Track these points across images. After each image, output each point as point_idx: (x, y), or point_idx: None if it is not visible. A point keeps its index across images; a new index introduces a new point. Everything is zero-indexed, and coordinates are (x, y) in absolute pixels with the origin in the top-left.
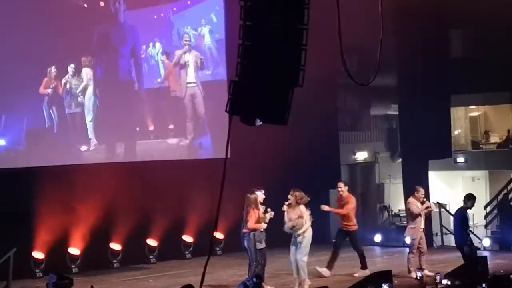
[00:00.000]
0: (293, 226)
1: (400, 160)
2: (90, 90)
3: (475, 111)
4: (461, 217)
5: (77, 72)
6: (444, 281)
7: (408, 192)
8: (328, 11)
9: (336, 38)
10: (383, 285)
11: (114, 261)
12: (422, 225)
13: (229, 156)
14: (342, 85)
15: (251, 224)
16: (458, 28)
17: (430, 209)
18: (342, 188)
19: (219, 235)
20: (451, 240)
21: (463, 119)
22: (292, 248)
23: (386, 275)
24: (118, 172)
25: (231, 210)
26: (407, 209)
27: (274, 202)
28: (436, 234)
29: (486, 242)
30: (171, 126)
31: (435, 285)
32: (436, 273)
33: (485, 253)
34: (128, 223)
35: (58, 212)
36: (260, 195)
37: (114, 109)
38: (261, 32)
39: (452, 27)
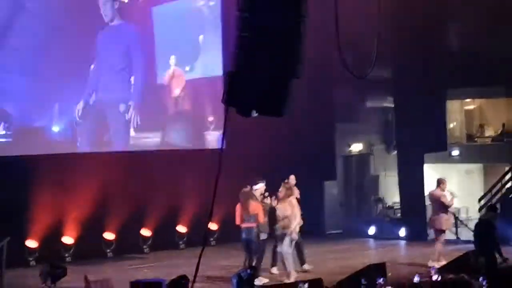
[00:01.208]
0: (283, 227)
1: (395, 152)
2: None
3: (470, 105)
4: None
5: None
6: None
7: (403, 184)
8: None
9: (333, 30)
10: (377, 279)
11: (108, 250)
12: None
13: (224, 147)
14: (338, 77)
15: (261, 218)
16: (455, 21)
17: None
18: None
19: (213, 226)
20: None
21: (458, 112)
22: (279, 241)
23: (380, 268)
24: (113, 162)
25: (226, 201)
26: (438, 202)
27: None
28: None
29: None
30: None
31: (429, 278)
32: (431, 267)
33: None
34: (122, 213)
35: (52, 201)
36: (261, 186)
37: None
38: (258, 24)
39: (449, 20)
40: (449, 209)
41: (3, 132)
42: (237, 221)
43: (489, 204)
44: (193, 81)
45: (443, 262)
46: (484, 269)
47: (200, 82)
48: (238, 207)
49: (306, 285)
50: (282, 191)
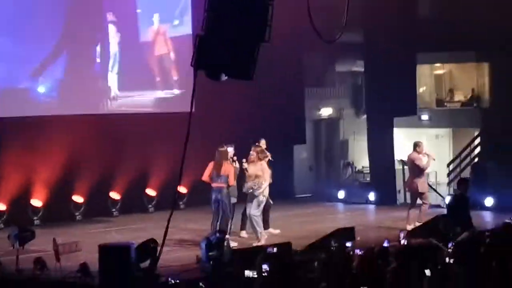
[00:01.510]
0: (252, 187)
1: (365, 116)
2: None
3: (440, 69)
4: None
5: None
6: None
7: (372, 148)
8: None
9: None
10: (346, 242)
11: (77, 213)
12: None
13: (194, 111)
14: (308, 41)
15: (232, 179)
16: None
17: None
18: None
19: (182, 189)
20: None
21: (428, 77)
22: (249, 204)
23: (349, 232)
24: (82, 125)
25: (195, 164)
26: (413, 165)
27: (238, 157)
28: (399, 191)
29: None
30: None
31: (398, 243)
32: (400, 231)
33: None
34: (91, 176)
35: (20, 163)
36: (230, 150)
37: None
38: None
39: None
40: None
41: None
42: (204, 177)
43: (460, 177)
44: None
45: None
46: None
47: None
48: (210, 165)
49: (275, 249)
50: (253, 154)
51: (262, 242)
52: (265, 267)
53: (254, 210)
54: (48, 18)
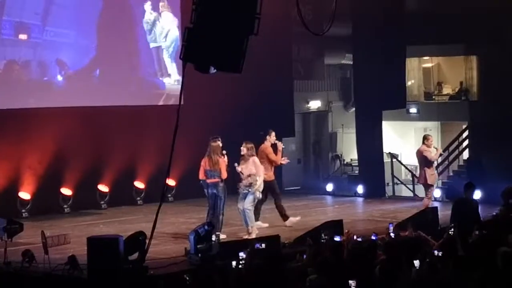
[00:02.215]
0: (249, 184)
1: (353, 109)
2: None
3: (428, 62)
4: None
5: None
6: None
7: (360, 141)
8: None
9: None
10: (335, 236)
11: (65, 206)
12: (435, 171)
13: (183, 103)
14: (296, 33)
15: (224, 173)
16: None
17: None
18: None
19: (171, 182)
20: (402, 190)
21: (416, 70)
22: (241, 199)
23: (337, 225)
24: (70, 117)
25: (184, 157)
26: (422, 157)
27: (228, 150)
28: (388, 184)
29: (437, 193)
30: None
31: (386, 235)
32: (389, 223)
33: (436, 204)
34: (80, 168)
35: (8, 156)
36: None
37: None
38: None
39: None
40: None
41: (61, 79)
42: (200, 175)
43: (468, 182)
44: None
45: None
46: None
47: None
48: (204, 161)
49: (263, 245)
50: (243, 150)
51: (253, 236)
52: (241, 254)
53: (248, 204)
54: None
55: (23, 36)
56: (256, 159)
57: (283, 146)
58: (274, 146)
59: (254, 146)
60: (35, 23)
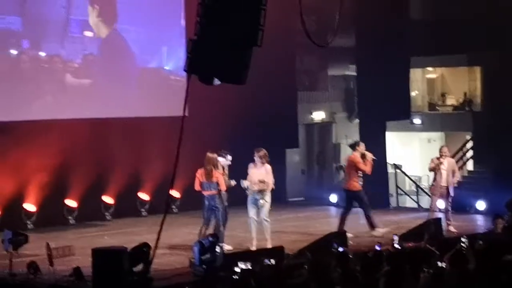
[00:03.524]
0: (261, 190)
1: (357, 120)
2: None
3: (432, 73)
4: None
5: None
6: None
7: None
8: None
9: None
10: (337, 247)
11: (70, 217)
12: (442, 183)
13: (186, 114)
14: (300, 44)
15: (223, 185)
16: None
17: (438, 164)
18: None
19: (175, 193)
20: (406, 201)
21: (420, 81)
22: (253, 209)
23: (341, 236)
24: (75, 128)
25: (188, 168)
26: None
27: (232, 161)
28: (392, 195)
29: (441, 204)
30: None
31: (391, 246)
32: (393, 234)
33: (440, 215)
34: (84, 180)
35: (13, 168)
36: (228, 158)
37: None
38: None
39: None
40: None
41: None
42: (196, 186)
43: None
44: None
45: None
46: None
47: None
48: (198, 173)
49: (272, 261)
50: (257, 159)
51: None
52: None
53: (265, 215)
54: None
55: (88, 33)
56: (269, 167)
57: (374, 158)
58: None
59: (266, 154)
60: None
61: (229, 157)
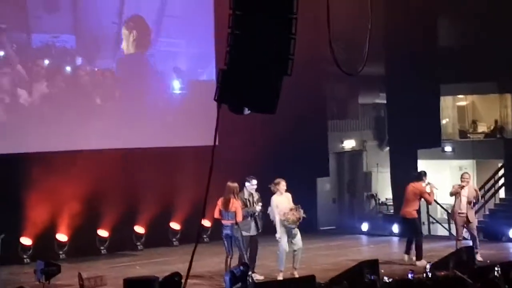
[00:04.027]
0: (298, 219)
1: (388, 148)
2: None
3: (463, 101)
4: None
5: None
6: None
7: (395, 180)
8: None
9: (325, 27)
10: (368, 275)
11: (102, 247)
12: (461, 210)
13: (217, 144)
14: (330, 73)
15: (240, 216)
16: (447, 17)
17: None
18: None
19: (206, 222)
20: (438, 229)
21: (451, 108)
22: (287, 238)
23: (373, 264)
24: (107, 159)
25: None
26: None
27: (262, 190)
28: (423, 223)
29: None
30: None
31: (422, 274)
32: (427, 262)
33: (467, 243)
34: (116, 210)
35: (46, 198)
36: (253, 183)
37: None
38: (250, 21)
39: (441, 16)
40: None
41: (179, 86)
42: (216, 214)
43: None
44: None
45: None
46: None
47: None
48: (219, 201)
49: None
50: (282, 187)
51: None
52: None
53: (301, 243)
54: None
55: None
56: (289, 194)
57: (436, 188)
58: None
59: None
60: None
61: (254, 181)
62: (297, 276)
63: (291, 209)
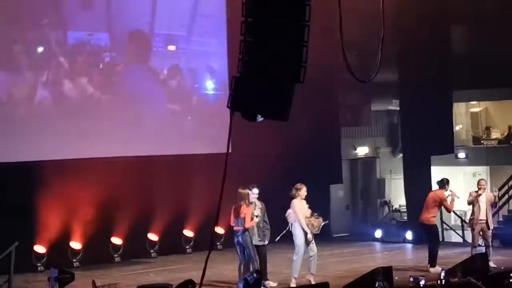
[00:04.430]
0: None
1: (401, 155)
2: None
3: (476, 107)
4: None
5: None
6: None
7: (409, 187)
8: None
9: (337, 34)
10: (381, 283)
11: (115, 255)
12: (481, 217)
13: (230, 151)
14: (343, 80)
15: (248, 223)
16: (460, 23)
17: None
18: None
19: (220, 230)
20: (451, 235)
21: (464, 114)
22: (304, 246)
23: (386, 271)
24: (120, 166)
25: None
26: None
27: (275, 197)
28: None
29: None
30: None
31: (436, 281)
32: (442, 269)
33: (482, 249)
34: (129, 218)
35: (59, 206)
36: (254, 192)
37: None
38: (262, 29)
39: (453, 22)
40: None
41: (213, 86)
42: (231, 221)
43: None
44: None
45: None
46: None
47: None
48: (233, 208)
49: None
50: (303, 192)
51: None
52: None
53: (316, 248)
54: None
55: (171, 47)
56: (304, 201)
57: (457, 197)
58: None
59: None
60: (182, 34)
61: (255, 190)
62: (313, 282)
63: (311, 215)
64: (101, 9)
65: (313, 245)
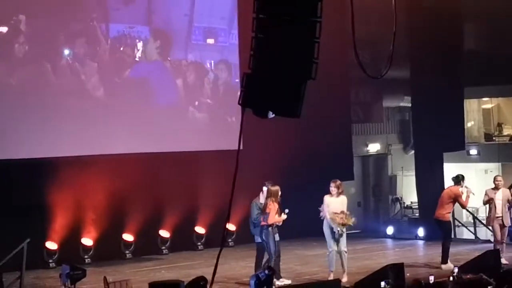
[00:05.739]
0: (344, 224)
1: (413, 152)
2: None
3: (488, 103)
4: None
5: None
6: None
7: (421, 183)
8: (340, 3)
9: (349, 31)
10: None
11: (127, 252)
12: (498, 213)
13: (241, 148)
14: (355, 77)
15: (272, 218)
16: (471, 19)
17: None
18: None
19: (231, 226)
20: (463, 232)
21: (476, 111)
22: (332, 240)
23: (398, 268)
24: (131, 163)
25: (244, 202)
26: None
27: (286, 194)
28: None
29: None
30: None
31: (447, 278)
32: (454, 266)
33: (498, 246)
34: (141, 214)
35: (71, 202)
36: (265, 189)
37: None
38: (274, 25)
39: (465, 19)
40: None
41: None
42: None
43: None
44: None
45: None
46: None
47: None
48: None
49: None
50: (334, 189)
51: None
52: None
53: (345, 247)
54: None
55: (210, 41)
56: (344, 198)
57: (473, 193)
58: None
59: (341, 183)
60: (222, 27)
61: (265, 189)
62: (346, 279)
63: (341, 212)
64: (142, 2)
65: (342, 241)
